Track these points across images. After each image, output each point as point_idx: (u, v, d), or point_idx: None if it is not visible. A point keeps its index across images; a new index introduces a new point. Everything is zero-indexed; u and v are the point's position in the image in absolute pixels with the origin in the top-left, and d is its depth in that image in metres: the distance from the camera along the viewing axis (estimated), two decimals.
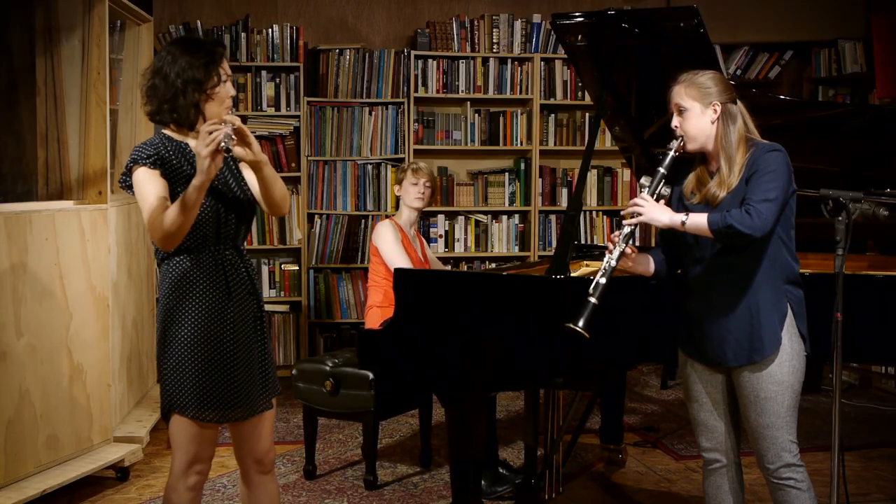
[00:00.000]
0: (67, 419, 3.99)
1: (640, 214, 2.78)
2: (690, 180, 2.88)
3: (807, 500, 2.77)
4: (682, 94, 2.82)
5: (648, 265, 2.97)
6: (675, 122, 2.83)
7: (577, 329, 2.77)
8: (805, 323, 2.80)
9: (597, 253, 4.42)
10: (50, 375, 3.89)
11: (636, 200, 2.80)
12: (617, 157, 6.41)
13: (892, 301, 3.31)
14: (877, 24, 6.12)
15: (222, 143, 2.45)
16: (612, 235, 2.86)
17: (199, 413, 2.62)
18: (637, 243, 3.06)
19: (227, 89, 2.65)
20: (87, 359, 4.11)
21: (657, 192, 2.82)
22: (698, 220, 2.71)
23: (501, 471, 4.10)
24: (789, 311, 2.77)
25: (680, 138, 2.82)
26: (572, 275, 3.37)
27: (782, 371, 2.74)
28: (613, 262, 2.82)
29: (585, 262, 4.18)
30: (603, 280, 2.79)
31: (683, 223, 2.73)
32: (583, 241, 6.42)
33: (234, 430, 2.78)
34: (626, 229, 2.81)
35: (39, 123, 4.41)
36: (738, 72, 6.60)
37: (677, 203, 2.90)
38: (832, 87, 6.57)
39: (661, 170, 2.82)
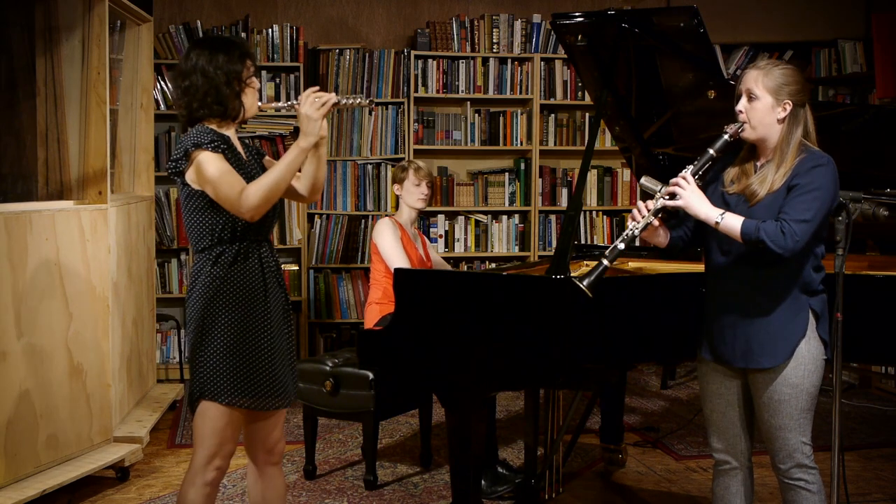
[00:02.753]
0: (67, 419, 3.99)
1: (678, 197, 2.71)
2: (734, 167, 2.81)
3: (816, 503, 2.76)
4: (757, 82, 2.70)
5: (665, 238, 2.91)
6: (741, 106, 2.72)
7: (582, 287, 2.76)
8: (827, 327, 2.75)
9: (597, 253, 4.42)
10: (50, 375, 3.89)
11: (679, 181, 2.71)
12: (617, 157, 6.41)
13: (892, 301, 3.31)
14: (877, 24, 6.12)
15: (343, 101, 2.69)
16: (641, 203, 2.77)
17: (234, 399, 2.67)
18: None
19: (257, 81, 2.79)
20: (87, 359, 4.11)
21: (700, 173, 2.73)
22: (732, 224, 2.65)
23: (501, 470, 4.09)
24: (810, 319, 2.73)
25: (740, 124, 2.72)
26: (572, 275, 3.37)
27: (797, 374, 2.71)
28: (637, 232, 2.75)
29: (585, 262, 4.18)
30: (621, 245, 2.74)
31: (717, 223, 2.67)
32: (583, 241, 6.42)
33: (250, 418, 2.82)
34: (660, 203, 2.74)
35: (39, 123, 4.41)
36: (738, 72, 6.60)
37: (712, 187, 2.83)
38: (832, 87, 6.57)
39: (711, 151, 2.73)
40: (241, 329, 2.68)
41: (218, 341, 2.67)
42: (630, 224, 2.78)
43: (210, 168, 2.62)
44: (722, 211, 2.69)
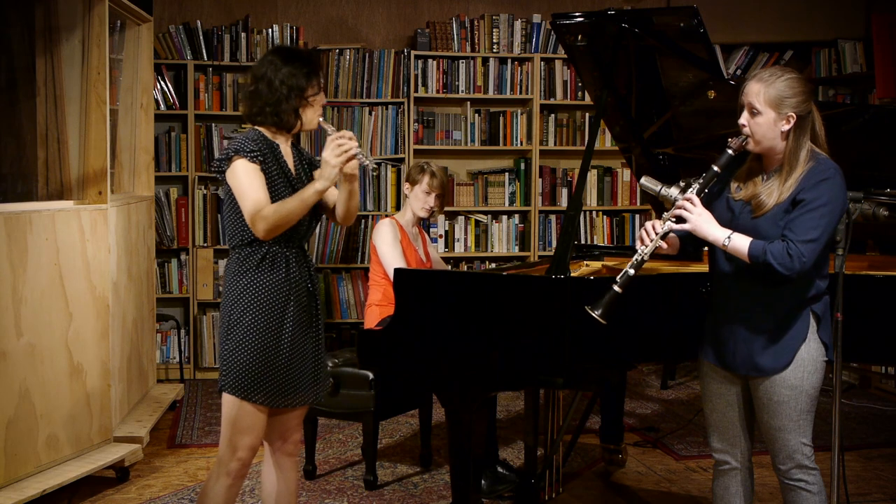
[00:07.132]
0: (67, 419, 3.99)
1: (686, 220, 2.72)
2: (742, 174, 2.79)
3: (817, 503, 2.76)
4: (759, 96, 2.66)
5: (675, 248, 2.90)
6: (744, 120, 2.69)
7: (595, 316, 2.77)
8: (828, 330, 2.75)
9: (597, 253, 4.42)
10: (50, 375, 3.89)
11: (685, 204, 2.72)
12: (617, 157, 6.41)
13: (892, 301, 3.31)
14: (877, 24, 6.12)
15: (359, 157, 2.72)
16: (648, 225, 2.76)
17: (248, 394, 2.77)
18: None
19: (322, 98, 2.88)
20: (87, 359, 4.11)
21: (705, 191, 2.74)
22: (740, 245, 2.65)
23: (501, 470, 4.09)
24: (811, 323, 2.73)
25: (744, 138, 2.70)
26: (572, 275, 3.37)
27: (796, 376, 2.71)
28: (646, 257, 2.76)
29: (585, 262, 4.18)
30: (632, 271, 2.75)
31: (725, 245, 2.67)
32: (583, 242, 6.42)
33: (271, 411, 2.89)
34: (667, 226, 2.74)
35: (39, 123, 4.41)
36: (738, 72, 6.60)
37: (718, 194, 2.82)
38: (832, 87, 6.57)
39: (716, 168, 2.73)
40: (262, 329, 2.77)
41: (239, 338, 2.77)
42: (639, 248, 2.78)
43: (240, 176, 2.74)
44: (730, 232, 2.68)
